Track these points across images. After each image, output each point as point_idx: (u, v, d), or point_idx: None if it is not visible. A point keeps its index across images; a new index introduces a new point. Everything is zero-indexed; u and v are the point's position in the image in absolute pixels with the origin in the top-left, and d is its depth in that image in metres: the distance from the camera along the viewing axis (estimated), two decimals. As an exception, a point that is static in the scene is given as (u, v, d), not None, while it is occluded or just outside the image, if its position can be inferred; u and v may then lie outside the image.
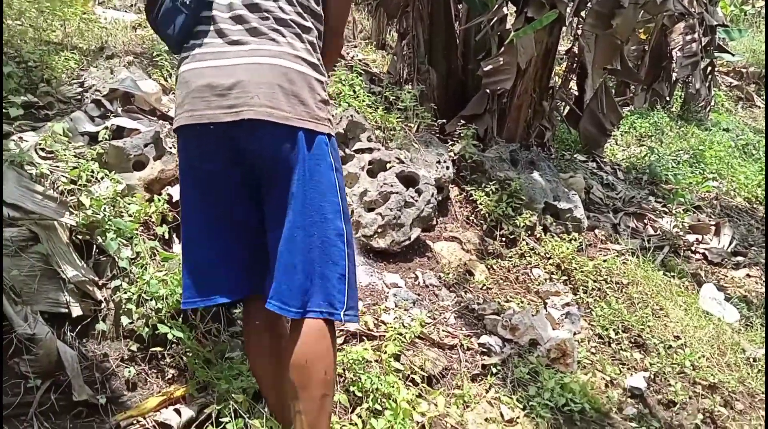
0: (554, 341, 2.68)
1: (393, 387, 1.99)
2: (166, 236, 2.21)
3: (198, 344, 1.98)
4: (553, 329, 2.83)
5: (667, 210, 5.07)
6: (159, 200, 2.23)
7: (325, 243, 1.50)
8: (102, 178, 2.19)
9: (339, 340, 2.31)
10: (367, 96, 3.90)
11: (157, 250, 2.10)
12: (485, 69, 4.90)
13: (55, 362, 1.72)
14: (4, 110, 2.34)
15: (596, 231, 4.35)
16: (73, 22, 4.17)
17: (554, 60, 5.61)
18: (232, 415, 1.68)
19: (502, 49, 4.85)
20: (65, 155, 2.17)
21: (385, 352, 2.22)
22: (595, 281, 3.42)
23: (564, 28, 6.01)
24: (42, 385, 1.70)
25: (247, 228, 1.59)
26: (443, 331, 2.65)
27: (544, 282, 3.34)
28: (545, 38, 5.01)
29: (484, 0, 4.98)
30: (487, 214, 3.85)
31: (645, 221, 4.88)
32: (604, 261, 3.63)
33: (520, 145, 4.63)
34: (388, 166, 3.20)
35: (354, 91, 3.68)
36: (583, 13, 5.40)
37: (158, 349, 1.97)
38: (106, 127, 2.45)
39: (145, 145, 2.36)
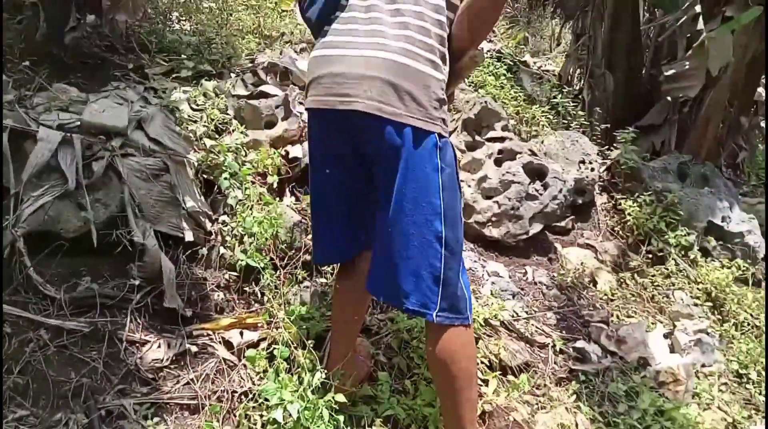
0: (668, 363, 2.36)
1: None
2: (275, 186, 2.44)
3: (281, 284, 2.16)
4: (672, 352, 2.49)
5: None
6: (276, 154, 2.47)
7: (422, 244, 1.49)
8: (234, 130, 2.50)
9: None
10: (516, 90, 3.80)
11: (263, 196, 2.33)
12: (667, 74, 4.46)
13: (158, 271, 2.02)
14: (176, 74, 2.80)
15: (780, 267, 3.68)
16: (270, 17, 4.76)
17: (764, 71, 4.88)
18: (282, 342, 1.82)
19: (690, 52, 4.37)
20: (209, 108, 2.52)
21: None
22: (753, 316, 2.92)
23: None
24: (143, 288, 2.00)
25: (360, 200, 1.67)
26: (537, 328, 2.50)
27: (685, 306, 2.94)
28: (753, 43, 4.39)
29: (676, -2, 4.53)
30: (635, 227, 3.51)
31: None
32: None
33: (692, 157, 4.11)
34: (517, 156, 3.10)
35: (498, 81, 3.62)
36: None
37: (247, 284, 2.18)
38: (252, 92, 2.78)
39: (276, 107, 2.64)
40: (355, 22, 1.52)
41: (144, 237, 2.03)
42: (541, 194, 3.01)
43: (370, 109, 1.42)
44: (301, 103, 2.95)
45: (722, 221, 3.52)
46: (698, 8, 4.33)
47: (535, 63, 7.73)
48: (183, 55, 2.94)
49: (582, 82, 5.03)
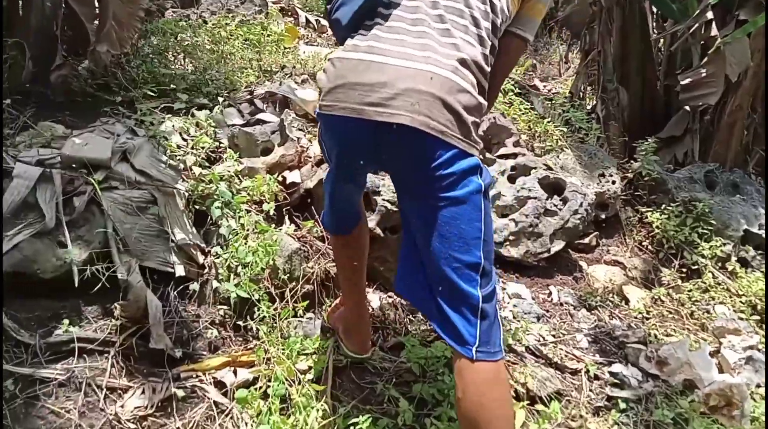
0: (718, 385, 2.10)
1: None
2: (272, 213, 2.27)
3: (279, 317, 1.97)
4: (721, 372, 2.23)
5: None
6: (272, 181, 2.32)
7: (458, 271, 1.36)
8: (227, 158, 2.37)
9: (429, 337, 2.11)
10: (526, 106, 3.64)
11: (259, 224, 2.17)
12: (683, 83, 4.28)
13: (143, 310, 1.85)
14: (168, 106, 2.71)
15: (831, 276, 3.40)
16: (274, 54, 4.72)
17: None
18: (276, 379, 1.62)
19: (705, 59, 4.20)
20: (201, 137, 2.40)
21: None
22: (808, 330, 2.64)
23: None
24: (127, 329, 1.83)
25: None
26: (567, 352, 2.26)
27: (730, 320, 2.68)
28: (772, 46, 4.22)
29: (684, 5, 4.39)
30: (664, 240, 3.27)
31: None
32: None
33: (720, 166, 3.88)
34: (532, 172, 2.92)
35: (506, 97, 3.45)
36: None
37: (243, 319, 2.00)
38: (248, 120, 2.67)
39: (272, 133, 2.51)
40: (403, 32, 1.39)
41: (128, 273, 1.87)
42: (560, 209, 2.81)
43: (416, 123, 1.29)
44: (300, 130, 2.83)
45: (759, 229, 3.27)
46: (710, 14, 4.18)
47: (544, 87, 7.64)
48: (177, 90, 2.85)
49: (594, 99, 4.87)
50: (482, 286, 1.38)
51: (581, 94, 5.01)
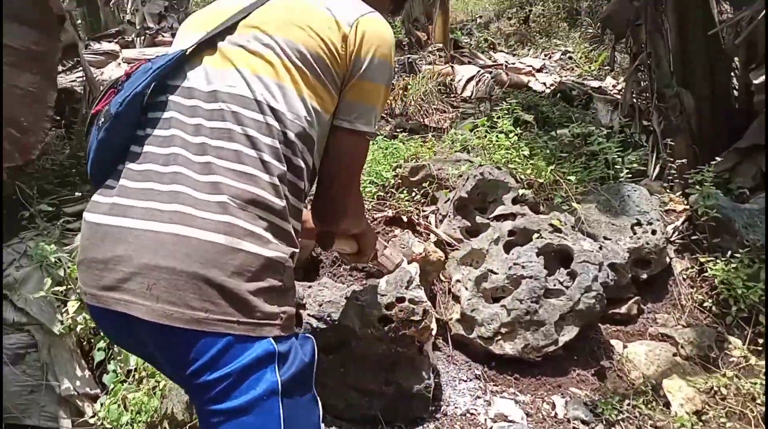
0: None
1: None
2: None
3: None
4: None
5: None
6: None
7: None
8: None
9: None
10: (538, 145, 3.01)
11: (156, 362, 1.81)
12: (756, 82, 3.46)
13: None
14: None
15: None
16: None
17: None
18: None
19: (779, 50, 3.36)
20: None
21: None
22: None
23: None
24: None
25: None
26: None
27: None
28: None
29: (748, -13, 3.55)
30: (732, 300, 2.53)
31: None
32: None
33: (810, 188, 3.03)
34: (534, 236, 2.33)
35: (508, 140, 2.83)
36: None
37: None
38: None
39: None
40: (153, 177, 1.04)
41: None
42: (567, 287, 2.20)
43: (151, 315, 0.95)
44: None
45: None
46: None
47: (615, 86, 6.89)
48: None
49: (650, 110, 4.09)
50: None
51: (635, 106, 4.24)
